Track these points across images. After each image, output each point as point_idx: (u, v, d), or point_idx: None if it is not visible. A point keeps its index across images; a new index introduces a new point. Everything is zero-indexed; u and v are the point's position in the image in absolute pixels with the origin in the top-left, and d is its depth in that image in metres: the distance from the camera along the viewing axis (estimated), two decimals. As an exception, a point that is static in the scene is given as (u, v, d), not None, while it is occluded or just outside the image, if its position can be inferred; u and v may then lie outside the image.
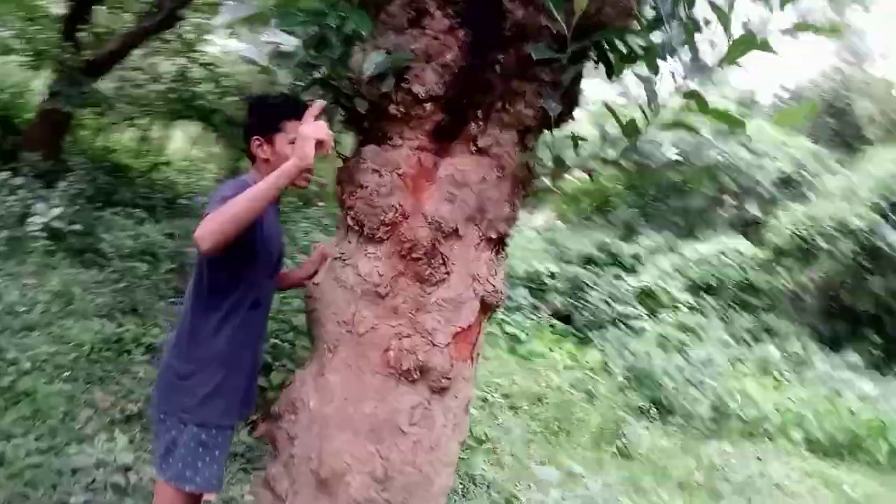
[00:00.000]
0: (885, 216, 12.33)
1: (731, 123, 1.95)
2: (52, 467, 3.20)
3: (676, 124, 1.98)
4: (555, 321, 11.10)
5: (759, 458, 7.56)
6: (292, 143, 2.07)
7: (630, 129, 1.98)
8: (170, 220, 7.27)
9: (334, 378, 2.10)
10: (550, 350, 9.65)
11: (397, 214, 2.06)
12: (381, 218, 2.05)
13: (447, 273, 2.06)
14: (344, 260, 2.12)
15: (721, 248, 13.79)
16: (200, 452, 2.09)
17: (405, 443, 2.06)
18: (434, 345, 2.06)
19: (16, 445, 3.28)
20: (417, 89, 2.01)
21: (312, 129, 1.94)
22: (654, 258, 14.08)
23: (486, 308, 2.16)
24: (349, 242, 2.14)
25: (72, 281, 5.38)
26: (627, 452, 6.60)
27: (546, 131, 2.22)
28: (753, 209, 15.16)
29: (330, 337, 2.12)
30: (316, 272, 2.31)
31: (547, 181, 2.22)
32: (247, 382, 2.25)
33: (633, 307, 11.72)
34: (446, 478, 2.18)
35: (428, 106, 2.04)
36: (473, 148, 2.09)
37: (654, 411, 8.28)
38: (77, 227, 6.15)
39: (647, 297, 12.33)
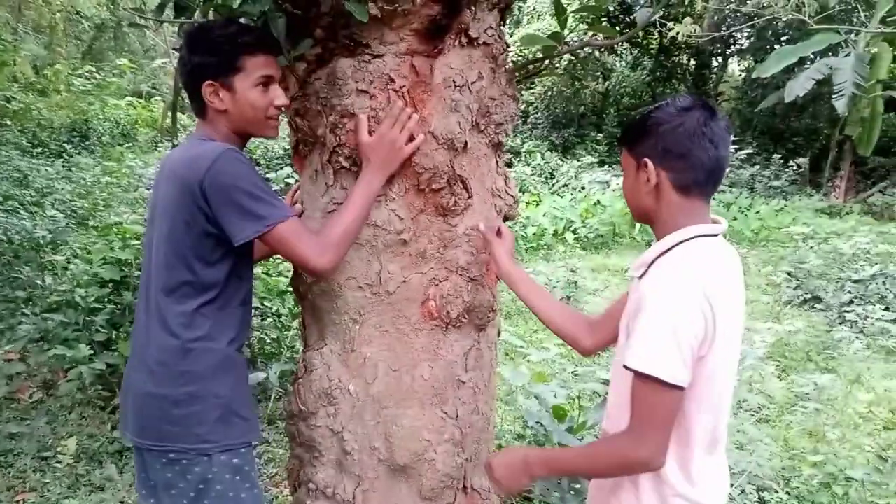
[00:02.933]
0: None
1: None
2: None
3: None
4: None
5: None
6: (258, 84, 1.56)
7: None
8: None
9: (370, 350, 1.75)
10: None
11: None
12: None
13: (469, 197, 1.76)
14: (345, 212, 1.70)
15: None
16: (238, 481, 1.65)
17: (466, 392, 1.83)
18: (473, 280, 1.79)
19: None
20: (405, -23, 1.57)
21: None
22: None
23: (505, 221, 1.91)
24: (344, 188, 1.71)
25: None
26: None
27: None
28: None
29: (351, 306, 1.74)
30: None
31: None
32: (248, 382, 1.80)
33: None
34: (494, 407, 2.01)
35: (418, -3, 1.60)
36: (465, 40, 1.72)
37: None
38: None
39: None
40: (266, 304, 4.25)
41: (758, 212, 11.26)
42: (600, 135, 15.41)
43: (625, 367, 1.30)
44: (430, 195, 1.71)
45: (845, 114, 10.70)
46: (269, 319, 4.32)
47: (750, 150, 12.94)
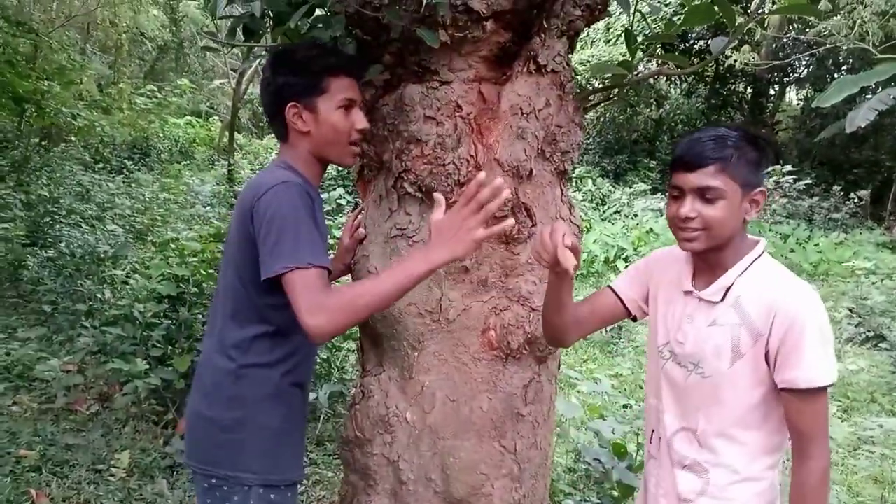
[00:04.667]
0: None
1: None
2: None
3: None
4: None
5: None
6: (341, 107, 1.54)
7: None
8: None
9: (429, 379, 1.72)
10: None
11: (471, 169, 1.65)
12: (455, 177, 1.63)
13: (534, 225, 1.73)
14: (408, 237, 1.68)
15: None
16: None
17: (525, 427, 1.78)
18: (534, 310, 1.75)
19: None
20: (477, 5, 1.56)
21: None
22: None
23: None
24: (408, 214, 1.69)
25: None
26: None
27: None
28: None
29: (410, 333, 1.71)
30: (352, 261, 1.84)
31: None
32: (305, 424, 1.77)
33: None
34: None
35: (489, 25, 1.60)
36: (533, 67, 1.70)
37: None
38: None
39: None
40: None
41: (816, 244, 10.92)
42: (653, 162, 15.21)
43: (788, 389, 1.34)
44: (493, 222, 1.68)
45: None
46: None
47: (809, 181, 12.59)
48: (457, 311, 1.70)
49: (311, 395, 3.68)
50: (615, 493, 2.27)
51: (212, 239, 4.10)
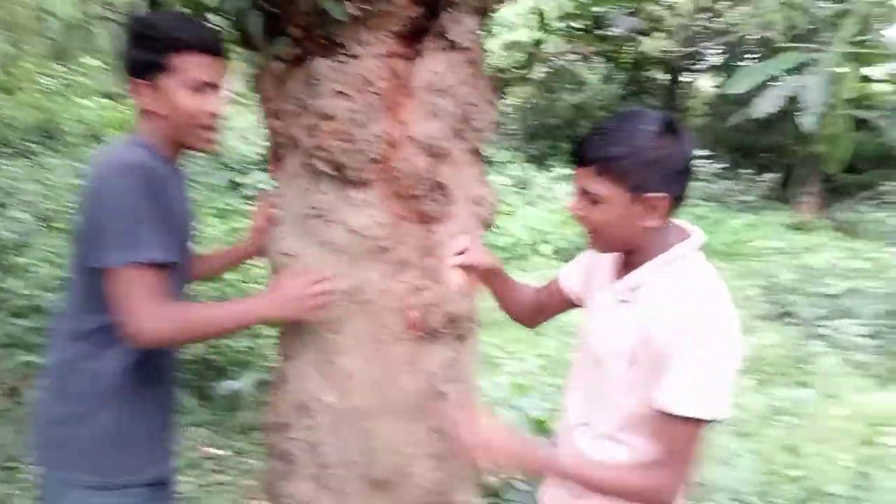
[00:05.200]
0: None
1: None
2: None
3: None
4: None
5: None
6: (191, 88, 1.44)
7: None
8: None
9: (349, 361, 1.69)
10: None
11: (385, 146, 1.63)
12: (368, 154, 1.60)
13: (451, 204, 1.72)
14: (324, 217, 1.65)
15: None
16: None
17: (447, 405, 1.78)
18: (454, 289, 1.75)
19: None
20: (388, -22, 1.53)
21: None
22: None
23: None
24: (323, 194, 1.65)
25: None
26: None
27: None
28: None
29: (328, 316, 1.68)
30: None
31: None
32: (162, 423, 1.64)
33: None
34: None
35: (399, -1, 1.57)
36: (444, 44, 1.68)
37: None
38: None
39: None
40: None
41: (729, 226, 11.40)
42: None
43: (661, 412, 1.25)
44: (410, 201, 1.67)
45: (813, 132, 10.88)
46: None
47: (724, 165, 13.11)
48: (376, 292, 1.67)
49: (234, 384, 3.60)
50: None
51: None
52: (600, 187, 1.27)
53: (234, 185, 8.99)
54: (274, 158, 1.83)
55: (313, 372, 1.72)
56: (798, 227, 12.39)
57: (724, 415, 1.21)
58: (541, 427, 2.51)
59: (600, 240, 1.36)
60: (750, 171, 13.57)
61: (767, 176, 13.50)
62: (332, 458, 1.70)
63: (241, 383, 3.61)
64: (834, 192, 14.81)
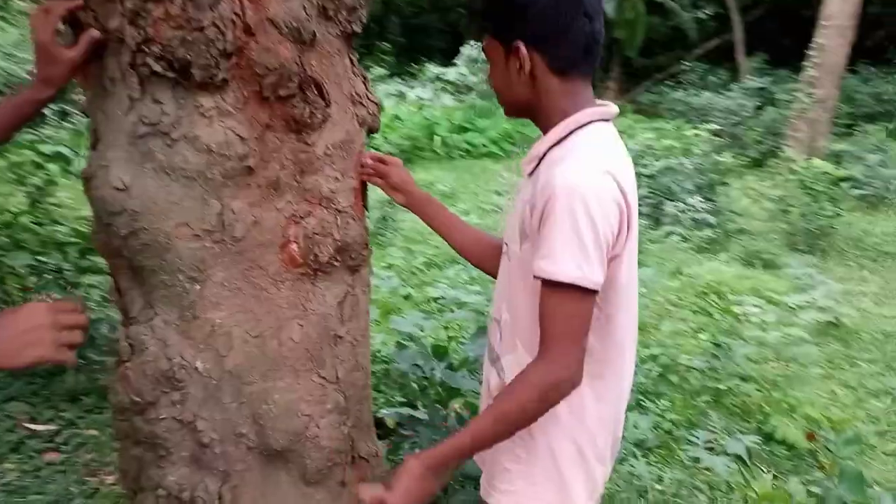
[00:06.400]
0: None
1: None
2: None
3: None
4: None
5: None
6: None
7: None
8: None
9: (220, 315, 1.35)
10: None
11: (239, 32, 1.23)
12: (218, 45, 1.21)
13: (328, 105, 1.38)
14: (163, 133, 1.24)
15: None
16: None
17: (344, 348, 1.51)
18: (341, 212, 1.44)
19: None
20: None
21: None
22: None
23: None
24: (158, 102, 1.24)
25: None
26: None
27: None
28: None
29: (186, 262, 1.31)
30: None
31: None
32: None
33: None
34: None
35: None
36: None
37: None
38: None
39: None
40: (43, 259, 3.51)
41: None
42: (386, 44, 14.96)
43: (536, 277, 1.12)
44: (277, 105, 1.31)
45: (611, 17, 11.27)
46: (49, 277, 3.58)
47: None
48: (245, 226, 1.32)
49: None
50: (440, 397, 2.10)
51: None
52: (485, 43, 1.27)
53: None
54: (83, 63, 1.35)
55: (174, 334, 1.35)
56: (634, 112, 12.93)
57: (598, 285, 1.10)
58: (441, 352, 2.27)
59: (504, 103, 1.31)
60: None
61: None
62: (212, 434, 1.37)
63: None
64: (632, 77, 15.66)
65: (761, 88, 12.12)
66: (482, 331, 2.20)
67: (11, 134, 1.35)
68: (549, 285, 1.10)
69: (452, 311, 3.09)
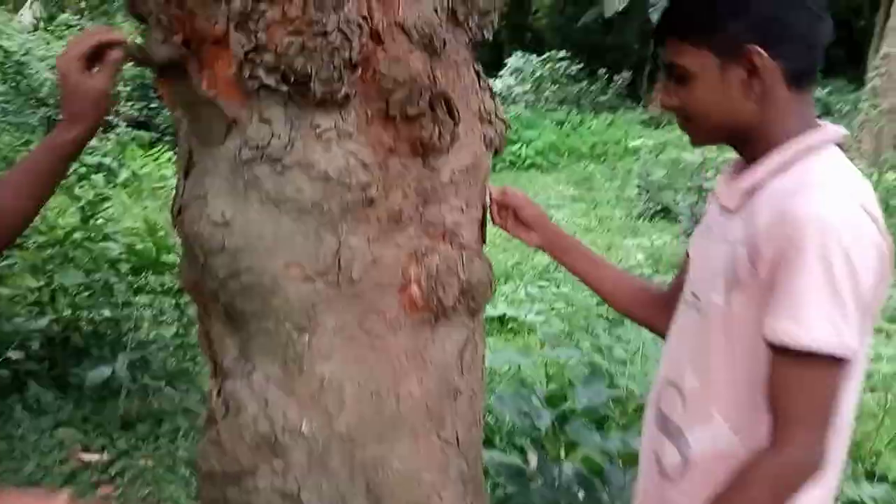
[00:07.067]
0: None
1: None
2: None
3: None
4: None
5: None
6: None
7: None
8: None
9: (330, 369, 1.15)
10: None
11: (366, 39, 1.04)
12: (344, 54, 1.02)
13: (456, 124, 1.18)
14: (273, 160, 1.06)
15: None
16: None
17: (463, 403, 1.30)
18: (465, 248, 1.24)
19: None
20: None
21: None
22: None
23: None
24: (265, 122, 1.05)
25: None
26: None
27: None
28: None
29: (294, 307, 1.12)
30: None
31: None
32: None
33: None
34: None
35: None
36: None
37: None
38: None
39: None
40: (94, 276, 3.38)
41: (590, 127, 11.44)
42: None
43: (769, 342, 0.90)
44: (402, 125, 1.12)
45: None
46: (96, 295, 3.41)
47: (580, 66, 13.07)
48: (363, 266, 1.13)
49: (105, 370, 2.96)
50: (555, 451, 1.83)
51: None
52: (685, 58, 1.02)
53: (51, 123, 7.72)
54: (163, 77, 1.17)
55: (277, 390, 1.16)
56: (652, 124, 12.71)
57: (854, 351, 0.88)
58: (556, 400, 1.95)
59: (698, 129, 1.07)
60: (603, 70, 13.66)
61: (623, 75, 13.66)
62: (317, 508, 1.17)
63: (113, 368, 2.93)
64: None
65: (817, 99, 11.75)
66: (595, 376, 1.96)
67: (49, 183, 1.08)
68: (792, 354, 0.88)
69: (529, 332, 2.85)
